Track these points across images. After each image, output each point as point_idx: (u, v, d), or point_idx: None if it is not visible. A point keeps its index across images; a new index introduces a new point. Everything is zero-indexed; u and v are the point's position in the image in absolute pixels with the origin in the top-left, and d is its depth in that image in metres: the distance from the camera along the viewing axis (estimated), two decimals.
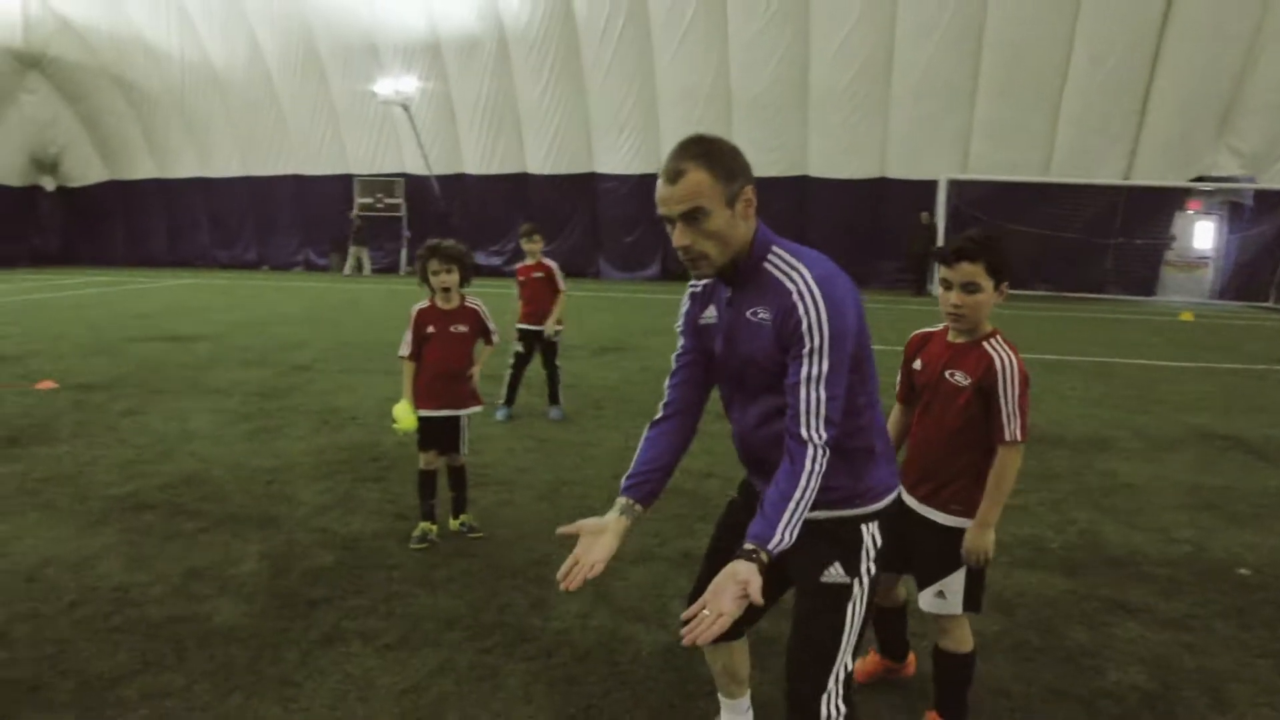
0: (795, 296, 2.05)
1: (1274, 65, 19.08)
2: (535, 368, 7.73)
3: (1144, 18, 19.13)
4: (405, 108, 22.95)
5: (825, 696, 2.16)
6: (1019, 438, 2.74)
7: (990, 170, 20.87)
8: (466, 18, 21.88)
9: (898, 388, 3.11)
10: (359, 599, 3.96)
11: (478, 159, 23.60)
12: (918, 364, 3.03)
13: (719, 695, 2.76)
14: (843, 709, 2.18)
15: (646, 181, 22.71)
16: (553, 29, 21.48)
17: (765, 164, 21.75)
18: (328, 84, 23.97)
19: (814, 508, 2.07)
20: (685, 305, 2.36)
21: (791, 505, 1.99)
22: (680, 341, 2.38)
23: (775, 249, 2.14)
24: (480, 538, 4.73)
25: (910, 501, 2.92)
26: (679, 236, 2.06)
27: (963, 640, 2.94)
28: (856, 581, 2.18)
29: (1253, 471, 6.46)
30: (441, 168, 23.76)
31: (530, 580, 4.20)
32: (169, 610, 3.82)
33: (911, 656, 3.42)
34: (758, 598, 1.88)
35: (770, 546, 1.96)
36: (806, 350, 2.03)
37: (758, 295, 2.13)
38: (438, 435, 4.61)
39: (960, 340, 2.90)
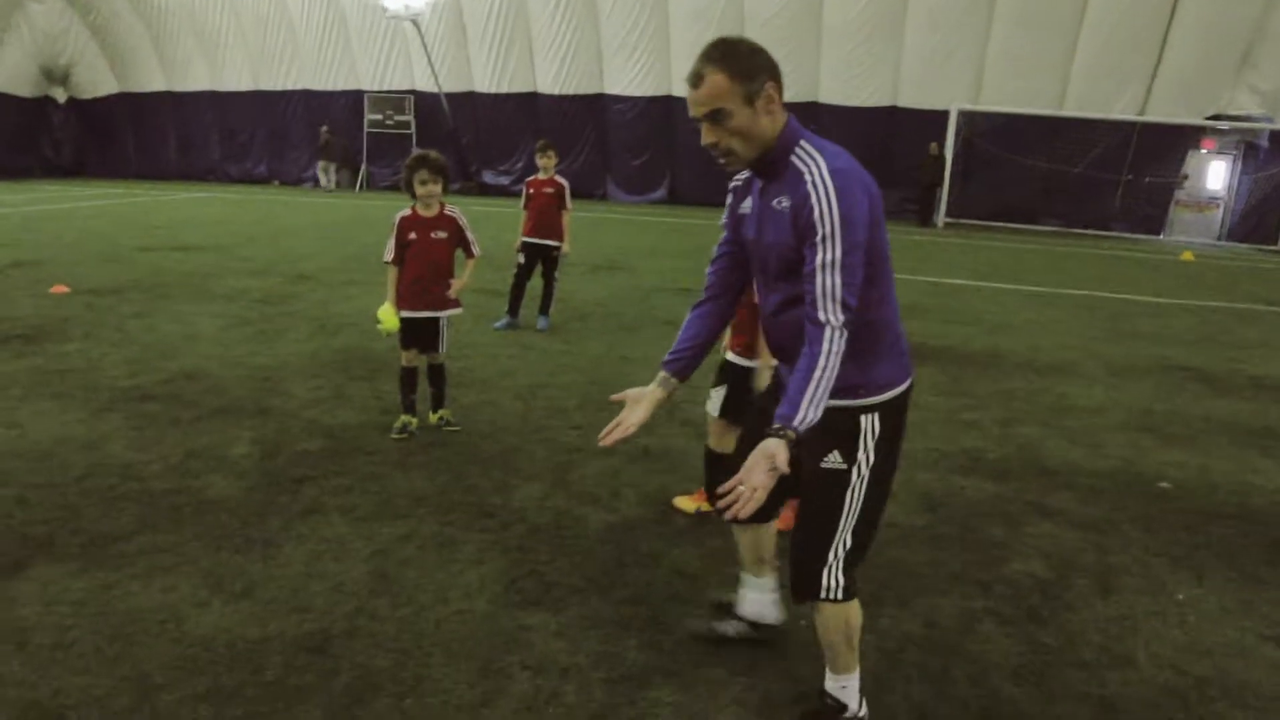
0: (809, 185, 2.16)
1: None
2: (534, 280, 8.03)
3: None
4: (415, 23, 22.77)
5: (826, 569, 2.39)
6: None
7: (1003, 102, 20.66)
8: None
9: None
10: (340, 479, 4.34)
11: (488, 77, 23.48)
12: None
13: (743, 574, 3.01)
14: (841, 580, 2.40)
15: (656, 104, 22.61)
16: None
17: None
18: None
19: None
20: (729, 200, 2.51)
21: (813, 385, 2.11)
22: (723, 234, 2.56)
23: (802, 142, 2.25)
24: (457, 431, 5.10)
25: (739, 360, 3.79)
26: (706, 135, 2.22)
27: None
28: (855, 468, 2.34)
29: (1202, 399, 6.75)
30: (451, 85, 23.66)
31: (497, 467, 4.58)
32: (168, 484, 4.22)
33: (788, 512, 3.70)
34: (784, 467, 2.06)
35: (795, 424, 2.09)
36: (820, 237, 2.13)
37: (782, 185, 2.25)
38: (419, 335, 4.94)
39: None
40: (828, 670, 2.58)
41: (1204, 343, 9.01)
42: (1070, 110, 20.71)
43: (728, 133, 2.21)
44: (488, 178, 24.29)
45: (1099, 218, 21.70)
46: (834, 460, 2.35)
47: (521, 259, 7.86)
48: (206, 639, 2.96)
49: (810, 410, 2.12)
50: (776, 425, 2.11)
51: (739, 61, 2.19)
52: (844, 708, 2.56)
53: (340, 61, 24.62)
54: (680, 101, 22.36)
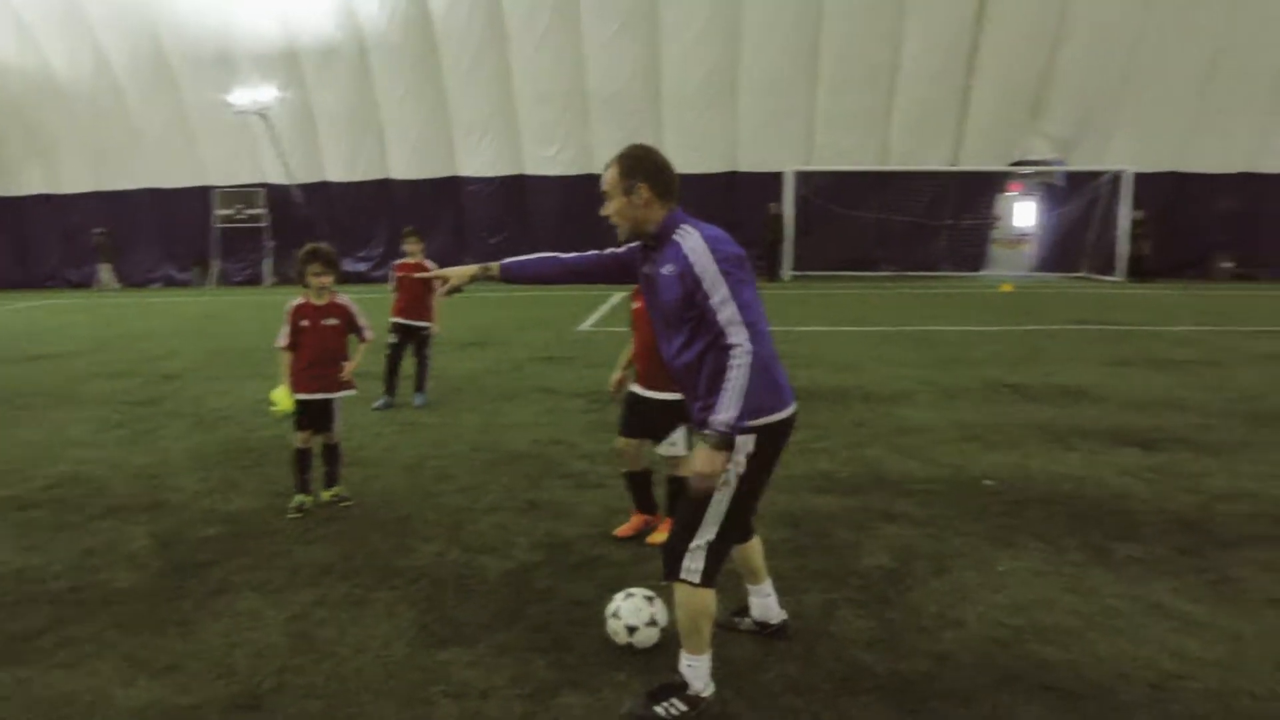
0: (687, 251, 2.88)
1: (1076, 58, 21.26)
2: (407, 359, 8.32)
3: (961, 15, 20.96)
4: (263, 117, 22.76)
5: (688, 553, 2.94)
6: None
7: (832, 161, 22.40)
8: (323, 24, 21.91)
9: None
10: (244, 559, 4.53)
11: (340, 166, 23.63)
12: (635, 304, 4.41)
13: (746, 584, 3.61)
14: (700, 566, 2.92)
15: (510, 183, 23.30)
16: (411, 34, 21.77)
17: None
18: (180, 94, 23.47)
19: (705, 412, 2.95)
20: (638, 250, 3.20)
21: (728, 393, 2.75)
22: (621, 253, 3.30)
23: (683, 225, 2.96)
24: (350, 505, 5.34)
25: (645, 392, 4.43)
26: (603, 209, 3.06)
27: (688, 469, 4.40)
28: (726, 477, 2.89)
29: (1018, 409, 7.70)
30: (304, 176, 23.68)
31: (395, 533, 4.87)
32: (70, 582, 4.29)
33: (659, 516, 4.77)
34: (701, 465, 2.83)
35: (716, 423, 2.77)
36: (707, 285, 2.82)
37: (665, 255, 2.96)
38: (313, 416, 5.20)
39: None
40: (681, 649, 3.07)
41: (1022, 361, 10.15)
42: (893, 164, 22.65)
43: (611, 210, 3.06)
44: (347, 265, 24.21)
45: (928, 260, 23.64)
46: None
47: (394, 340, 8.17)
48: (139, 711, 3.14)
49: (729, 411, 2.75)
50: (707, 431, 2.80)
51: (626, 164, 3.02)
52: (686, 685, 3.03)
53: (185, 158, 24.22)
54: (533, 179, 23.20)
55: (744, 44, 21.46)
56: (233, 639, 3.66)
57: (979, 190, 23.44)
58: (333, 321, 5.22)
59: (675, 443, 4.41)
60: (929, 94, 21.89)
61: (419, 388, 8.31)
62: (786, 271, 22.81)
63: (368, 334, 5.43)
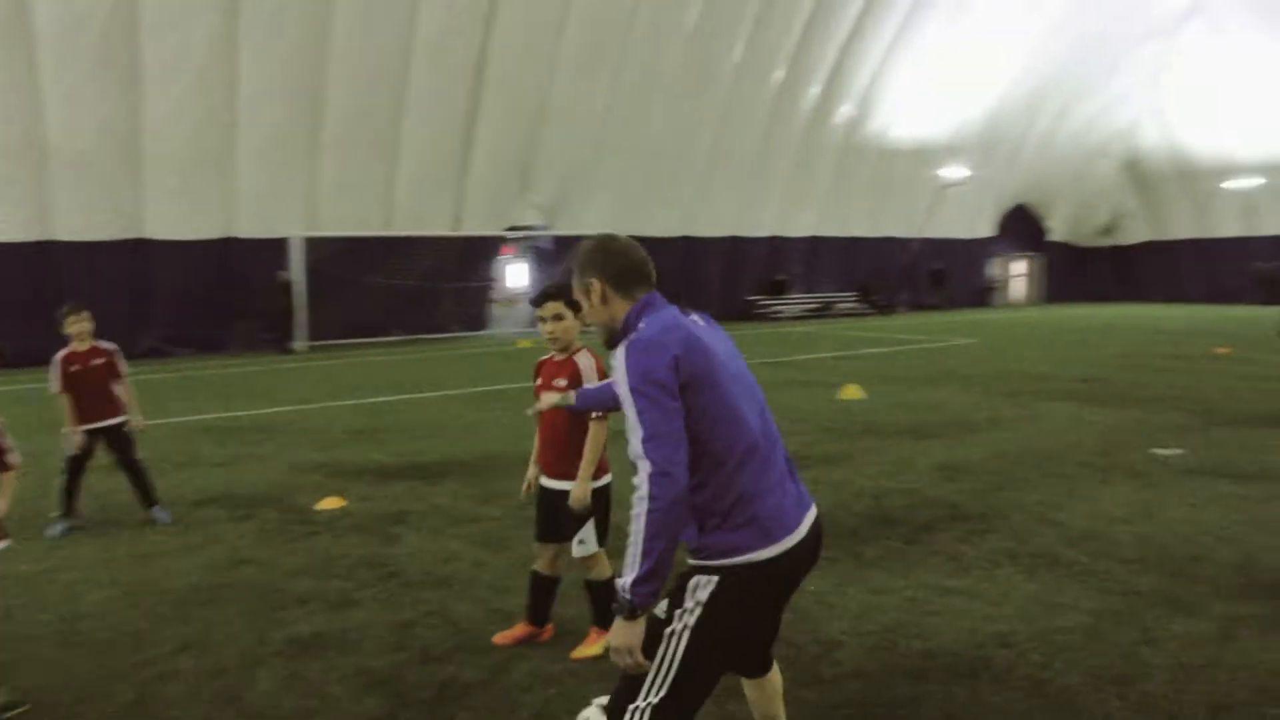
0: (615, 365, 2.37)
1: (557, 135, 23.96)
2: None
3: (460, 90, 22.18)
4: None
5: (632, 710, 2.32)
6: (601, 414, 3.83)
7: (339, 227, 21.92)
8: None
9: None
10: None
11: None
12: (538, 380, 4.11)
13: None
14: None
15: None
16: None
17: (93, 226, 19.40)
18: None
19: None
20: None
21: (630, 542, 2.25)
22: None
23: (639, 325, 2.45)
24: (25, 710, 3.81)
25: (549, 482, 4.10)
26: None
27: (605, 570, 4.08)
28: (674, 619, 2.35)
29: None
30: None
31: None
32: None
33: (549, 626, 4.35)
34: (619, 640, 2.29)
35: (622, 586, 2.26)
36: (624, 409, 2.32)
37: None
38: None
39: (559, 357, 4.04)
40: None
41: None
42: (399, 230, 22.96)
43: (585, 318, 2.67)
44: None
45: (437, 322, 24.37)
46: (661, 609, 2.40)
47: (75, 453, 6.50)
48: None
49: (630, 570, 2.23)
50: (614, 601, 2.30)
51: (578, 261, 2.56)
52: None
53: None
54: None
55: (241, 101, 19.89)
56: None
57: (479, 254, 24.94)
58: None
59: (584, 540, 3.94)
60: (430, 161, 22.72)
61: (152, 502, 6.66)
62: (300, 342, 21.54)
63: (12, 457, 4.03)
